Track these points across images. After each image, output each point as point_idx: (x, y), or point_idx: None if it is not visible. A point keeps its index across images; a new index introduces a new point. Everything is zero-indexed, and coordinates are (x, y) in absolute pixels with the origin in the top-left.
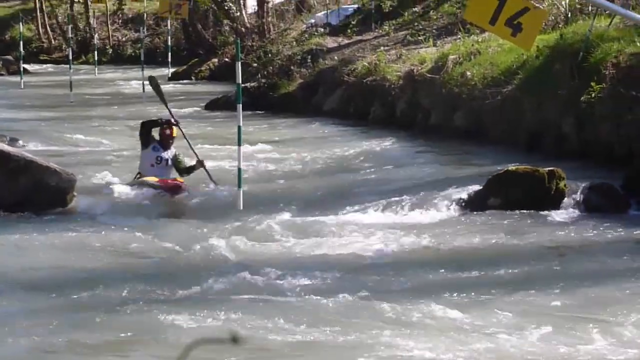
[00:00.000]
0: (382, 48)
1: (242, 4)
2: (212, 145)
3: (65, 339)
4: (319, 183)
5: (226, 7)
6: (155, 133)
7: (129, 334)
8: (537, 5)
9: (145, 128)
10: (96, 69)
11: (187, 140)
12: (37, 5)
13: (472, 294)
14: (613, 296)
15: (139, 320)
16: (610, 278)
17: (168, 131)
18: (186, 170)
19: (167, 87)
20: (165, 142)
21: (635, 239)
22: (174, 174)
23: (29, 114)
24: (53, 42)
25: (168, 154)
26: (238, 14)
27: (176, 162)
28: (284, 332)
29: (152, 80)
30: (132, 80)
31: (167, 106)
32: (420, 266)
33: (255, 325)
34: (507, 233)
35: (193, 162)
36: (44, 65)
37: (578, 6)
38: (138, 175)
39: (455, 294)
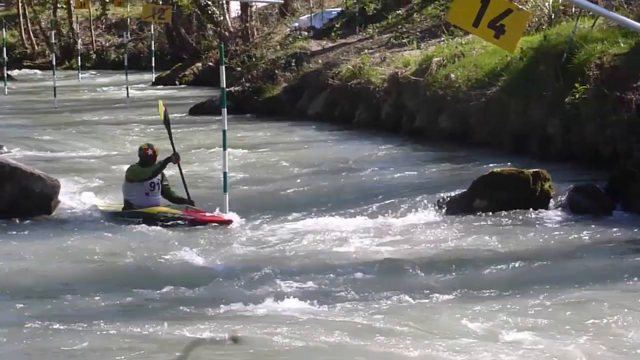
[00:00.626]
0: (366, 51)
1: (225, 8)
2: (197, 149)
3: (48, 345)
4: (304, 187)
5: (210, 12)
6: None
7: (111, 340)
8: (520, 7)
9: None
10: (80, 74)
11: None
12: (20, 11)
13: (458, 294)
14: (597, 296)
15: (121, 326)
16: (595, 279)
17: (150, 151)
18: (176, 201)
19: (151, 92)
20: (146, 165)
21: (620, 239)
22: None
23: (13, 120)
24: (36, 47)
25: (157, 178)
26: (221, 18)
27: (165, 189)
28: (270, 335)
29: (166, 117)
30: (115, 86)
31: (171, 140)
32: (406, 268)
33: (245, 327)
34: (492, 235)
35: (182, 195)
36: (28, 71)
37: (561, 7)
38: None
39: (441, 294)
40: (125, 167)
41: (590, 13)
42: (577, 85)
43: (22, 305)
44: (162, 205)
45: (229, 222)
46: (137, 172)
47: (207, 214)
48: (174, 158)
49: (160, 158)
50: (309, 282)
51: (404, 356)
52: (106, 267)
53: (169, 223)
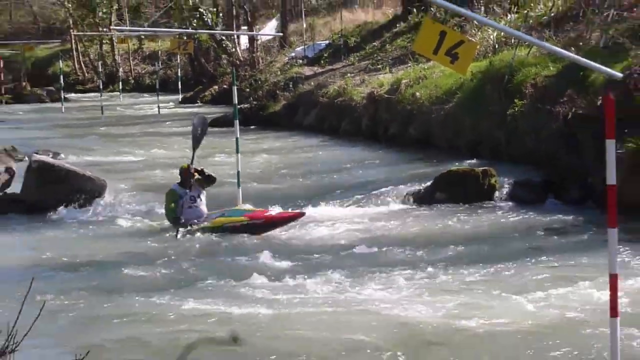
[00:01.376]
0: (348, 75)
1: (236, 42)
2: (216, 154)
3: (97, 312)
4: (300, 183)
5: (224, 45)
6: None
7: (139, 308)
8: (470, 38)
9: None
10: (121, 96)
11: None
12: (73, 46)
13: (423, 265)
14: (530, 264)
15: (145, 297)
16: (529, 252)
17: (190, 172)
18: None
19: (177, 110)
20: (186, 182)
21: (550, 223)
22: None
23: (68, 132)
24: (86, 75)
25: (196, 191)
26: (233, 49)
27: (205, 184)
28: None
29: (202, 129)
30: (149, 104)
31: (194, 151)
32: (381, 248)
33: (253, 300)
34: (450, 220)
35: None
36: (80, 94)
37: (503, 39)
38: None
39: (408, 265)
40: (156, 169)
41: (526, 43)
42: (516, 101)
43: (73, 276)
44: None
45: (302, 214)
46: (170, 201)
47: (273, 213)
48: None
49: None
50: (301, 259)
51: (381, 319)
52: (140, 249)
53: (240, 231)
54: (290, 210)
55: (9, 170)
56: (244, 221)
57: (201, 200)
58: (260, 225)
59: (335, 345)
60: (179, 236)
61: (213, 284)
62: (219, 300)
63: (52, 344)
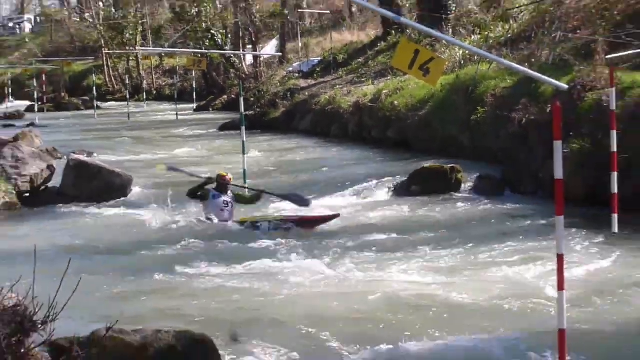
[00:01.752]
0: (337, 86)
1: (242, 58)
2: (224, 153)
3: (125, 287)
4: (297, 178)
5: (232, 61)
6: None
7: (161, 286)
8: (439, 56)
9: (192, 194)
10: (145, 104)
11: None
12: (104, 62)
13: (401, 248)
14: (490, 246)
15: (167, 275)
16: (489, 235)
17: (227, 178)
18: (251, 200)
19: (193, 116)
20: (224, 188)
21: (508, 211)
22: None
23: (100, 135)
24: (115, 87)
25: (229, 197)
26: (240, 65)
27: (239, 197)
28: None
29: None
30: (169, 111)
31: (190, 174)
32: (366, 232)
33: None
34: (423, 209)
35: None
36: (110, 103)
37: (468, 56)
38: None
39: (389, 246)
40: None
41: (487, 60)
42: (479, 108)
43: (104, 257)
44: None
45: (337, 216)
46: (201, 190)
47: (310, 214)
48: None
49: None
50: (300, 241)
51: (370, 291)
52: (160, 233)
53: (278, 229)
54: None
55: (50, 168)
56: (278, 218)
57: (232, 207)
58: (295, 222)
59: (334, 312)
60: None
61: (220, 263)
62: (229, 276)
63: (86, 315)
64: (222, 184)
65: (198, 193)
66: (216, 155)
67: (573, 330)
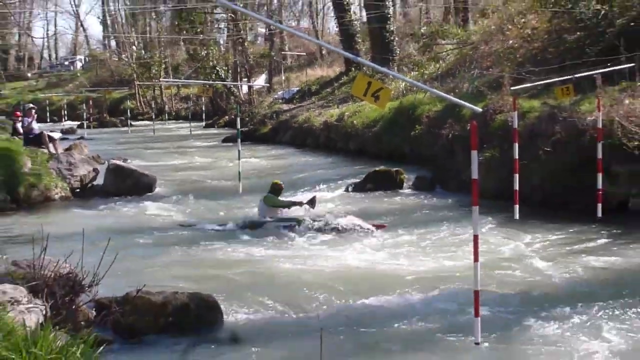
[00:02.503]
0: (311, 109)
1: (239, 88)
2: (224, 159)
3: (152, 260)
4: (280, 178)
5: (232, 90)
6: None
7: (181, 258)
8: (387, 86)
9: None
10: (166, 122)
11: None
12: (136, 91)
13: (358, 230)
14: (425, 230)
15: (184, 251)
16: (425, 223)
17: (282, 186)
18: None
19: (203, 131)
20: (278, 193)
21: (438, 203)
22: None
23: (132, 146)
24: (144, 109)
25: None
26: (238, 93)
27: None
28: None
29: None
30: (184, 127)
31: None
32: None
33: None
34: (374, 201)
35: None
36: (140, 122)
37: (408, 87)
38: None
39: (350, 232)
40: (189, 169)
41: (423, 90)
42: (417, 126)
43: (135, 236)
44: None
45: (383, 226)
46: (276, 200)
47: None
48: (307, 205)
49: None
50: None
51: (336, 266)
52: (179, 218)
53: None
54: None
55: (95, 170)
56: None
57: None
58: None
59: (307, 279)
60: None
61: (227, 244)
62: (233, 254)
63: (121, 280)
64: (277, 190)
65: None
66: (219, 160)
67: (485, 291)
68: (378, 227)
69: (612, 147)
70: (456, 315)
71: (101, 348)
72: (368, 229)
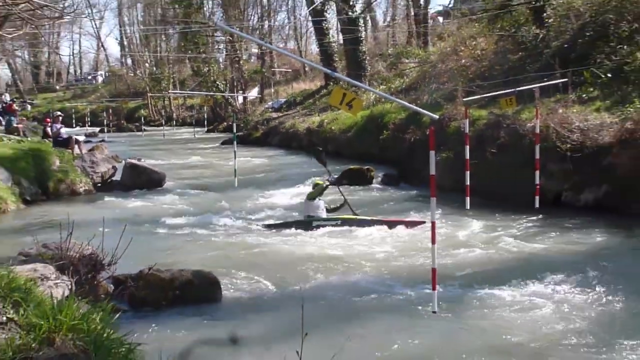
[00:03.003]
0: (296, 117)
1: (236, 99)
2: (224, 159)
3: (162, 243)
4: (270, 174)
5: (229, 100)
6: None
7: (187, 240)
8: (359, 97)
9: (312, 198)
10: (174, 128)
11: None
12: (149, 101)
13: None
14: (389, 217)
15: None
16: (391, 211)
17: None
18: (335, 209)
19: (205, 136)
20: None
21: (402, 196)
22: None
23: (145, 147)
24: (155, 117)
25: (323, 201)
26: (234, 103)
27: (330, 210)
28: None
29: (318, 153)
30: (189, 132)
31: (326, 168)
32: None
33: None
34: (349, 194)
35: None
36: (152, 127)
37: (378, 98)
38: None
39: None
40: (194, 167)
41: (390, 101)
42: (384, 132)
43: (147, 224)
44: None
45: (422, 223)
46: (313, 193)
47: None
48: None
49: None
50: (276, 211)
51: (313, 246)
52: (184, 207)
53: (366, 225)
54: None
55: (114, 167)
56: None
57: (324, 208)
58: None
59: (294, 259)
60: (313, 224)
61: (227, 229)
62: (232, 237)
63: (136, 261)
64: (317, 190)
65: (314, 197)
66: (218, 160)
67: (441, 269)
68: (417, 223)
69: (548, 149)
70: (417, 289)
71: (117, 315)
72: (409, 224)
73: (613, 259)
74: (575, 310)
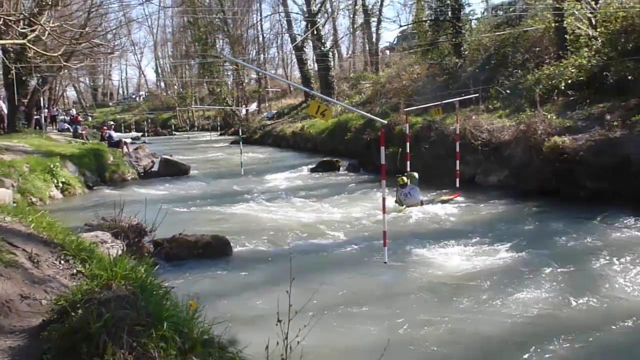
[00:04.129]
0: (285, 124)
1: (241, 110)
2: (233, 154)
3: (190, 216)
4: (266, 165)
5: (236, 112)
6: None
7: (206, 214)
8: (330, 107)
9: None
10: (196, 132)
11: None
12: (177, 113)
13: (310, 196)
14: (352, 197)
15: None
16: (352, 190)
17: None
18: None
19: (218, 138)
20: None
21: (363, 179)
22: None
23: (175, 147)
24: (182, 124)
25: (408, 189)
26: (240, 114)
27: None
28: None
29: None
30: (206, 135)
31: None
32: (295, 189)
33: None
34: (322, 179)
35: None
36: (180, 132)
37: (343, 110)
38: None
39: (306, 197)
40: (211, 161)
41: (352, 111)
42: (348, 133)
43: (176, 202)
44: None
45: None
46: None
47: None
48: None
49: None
50: (270, 192)
51: (292, 218)
52: (207, 190)
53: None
54: None
55: (152, 161)
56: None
57: (412, 194)
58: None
59: (286, 227)
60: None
61: (243, 205)
62: (246, 210)
63: (169, 229)
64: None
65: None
66: (228, 155)
67: (389, 231)
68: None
69: (465, 145)
70: (372, 245)
71: (156, 267)
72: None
73: (510, 223)
74: (482, 256)
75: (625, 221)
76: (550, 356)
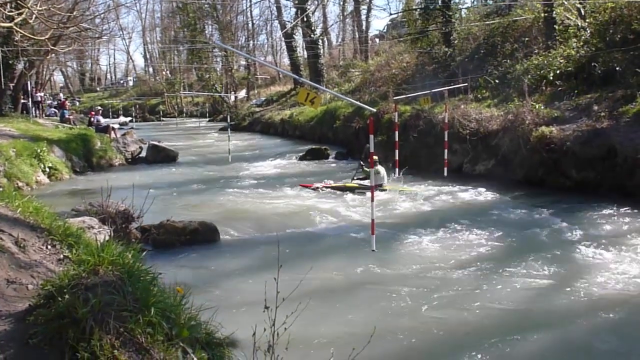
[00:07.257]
0: (273, 111)
1: (229, 98)
2: (221, 141)
3: (177, 202)
4: (254, 152)
5: (224, 99)
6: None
7: (200, 199)
8: (319, 95)
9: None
10: (184, 119)
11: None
12: (166, 99)
13: (297, 182)
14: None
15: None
16: (340, 177)
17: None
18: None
19: (207, 124)
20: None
21: (349, 166)
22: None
23: (163, 133)
24: (170, 110)
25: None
26: (228, 100)
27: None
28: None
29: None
30: (196, 121)
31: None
32: (284, 176)
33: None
34: (311, 166)
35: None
36: (168, 118)
37: (332, 97)
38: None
39: (292, 183)
40: (198, 147)
41: (341, 99)
42: (337, 122)
43: (166, 188)
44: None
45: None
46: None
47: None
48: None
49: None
50: (258, 180)
51: (282, 205)
52: (192, 174)
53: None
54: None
55: (140, 147)
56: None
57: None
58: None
59: (271, 214)
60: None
61: (227, 191)
62: (233, 196)
63: (157, 215)
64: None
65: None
66: (217, 142)
67: (377, 220)
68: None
69: (453, 134)
70: (361, 234)
71: (144, 254)
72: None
73: (497, 212)
74: (468, 244)
75: (608, 211)
76: (535, 344)
